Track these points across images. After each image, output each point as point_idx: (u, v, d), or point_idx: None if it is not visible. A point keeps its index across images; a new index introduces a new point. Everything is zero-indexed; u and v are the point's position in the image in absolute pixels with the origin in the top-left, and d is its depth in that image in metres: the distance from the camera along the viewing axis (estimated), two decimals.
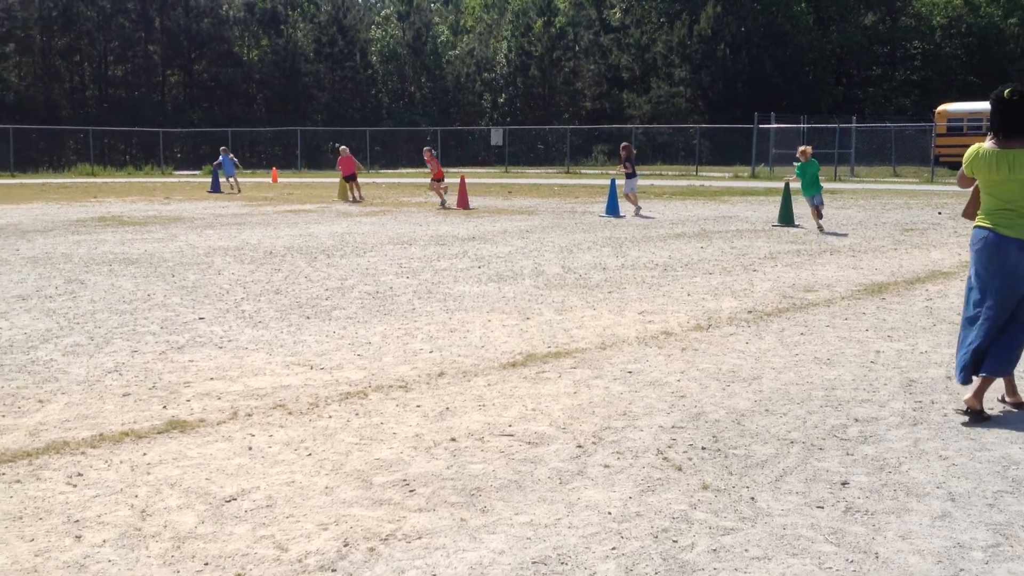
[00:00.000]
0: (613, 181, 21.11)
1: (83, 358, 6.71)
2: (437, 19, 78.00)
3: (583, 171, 47.56)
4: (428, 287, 10.04)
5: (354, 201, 25.95)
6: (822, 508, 3.99)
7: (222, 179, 31.32)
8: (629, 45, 67.41)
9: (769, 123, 39.15)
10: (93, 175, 44.85)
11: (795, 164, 17.08)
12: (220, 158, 31.23)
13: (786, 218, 17.43)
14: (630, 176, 20.19)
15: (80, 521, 3.82)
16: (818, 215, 16.28)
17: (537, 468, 4.46)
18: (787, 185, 18.09)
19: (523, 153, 58.50)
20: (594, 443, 4.83)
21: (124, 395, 5.74)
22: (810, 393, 5.82)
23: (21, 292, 9.62)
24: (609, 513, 3.92)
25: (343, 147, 27.36)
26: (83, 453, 4.66)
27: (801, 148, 16.91)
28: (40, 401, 5.60)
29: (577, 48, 69.84)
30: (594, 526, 3.79)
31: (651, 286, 10.12)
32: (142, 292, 9.66)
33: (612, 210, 19.98)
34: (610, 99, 67.25)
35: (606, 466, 4.49)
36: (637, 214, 19.54)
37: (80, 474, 4.36)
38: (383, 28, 74.12)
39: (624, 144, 21.10)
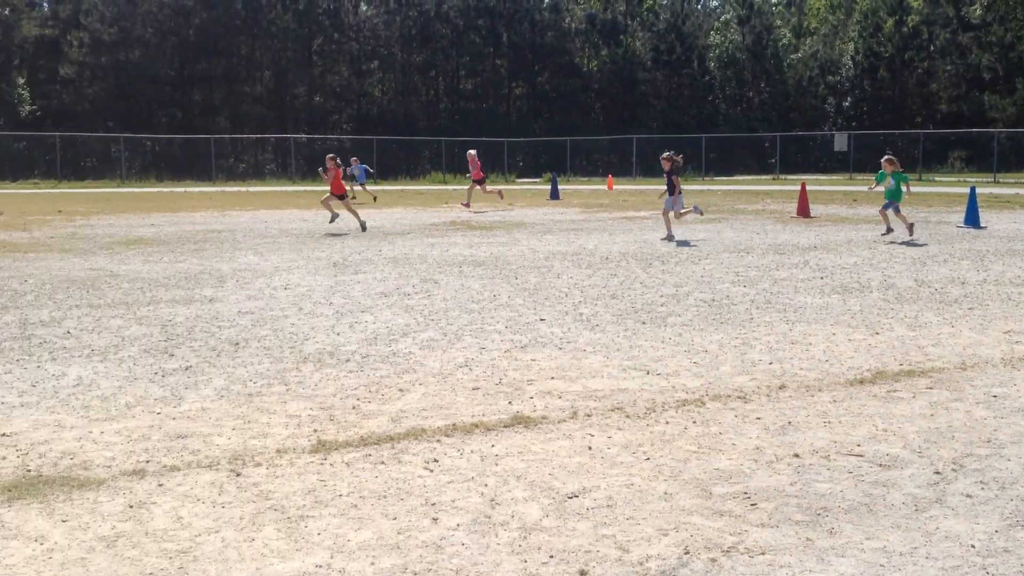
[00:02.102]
0: (973, 189, 19.47)
1: (437, 352, 7.17)
2: (779, 22, 76.01)
3: (937, 178, 44.44)
4: (767, 297, 9.78)
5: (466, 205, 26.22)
6: None
7: (356, 187, 31.41)
8: (991, 43, 62.10)
9: None
10: (444, 183, 48.07)
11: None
12: (353, 167, 31.88)
13: None
14: (671, 192, 16.48)
15: (436, 504, 4.07)
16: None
17: (890, 492, 4.18)
18: None
19: (870, 159, 55.37)
20: (954, 470, 4.46)
21: (474, 389, 6.06)
22: None
23: (383, 290, 10.48)
24: (972, 546, 3.59)
25: (471, 151, 27.31)
26: (438, 441, 4.97)
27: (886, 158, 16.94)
28: (401, 390, 6.05)
29: (932, 48, 65.37)
30: (955, 559, 3.49)
31: (1019, 303, 9.22)
32: (488, 292, 10.19)
33: (971, 220, 18.46)
34: (968, 101, 62.34)
35: (968, 496, 4.12)
36: (668, 238, 16.15)
37: (436, 460, 4.66)
38: (722, 33, 73.39)
39: (665, 155, 16.96)
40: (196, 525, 3.84)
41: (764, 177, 52.20)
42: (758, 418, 5.37)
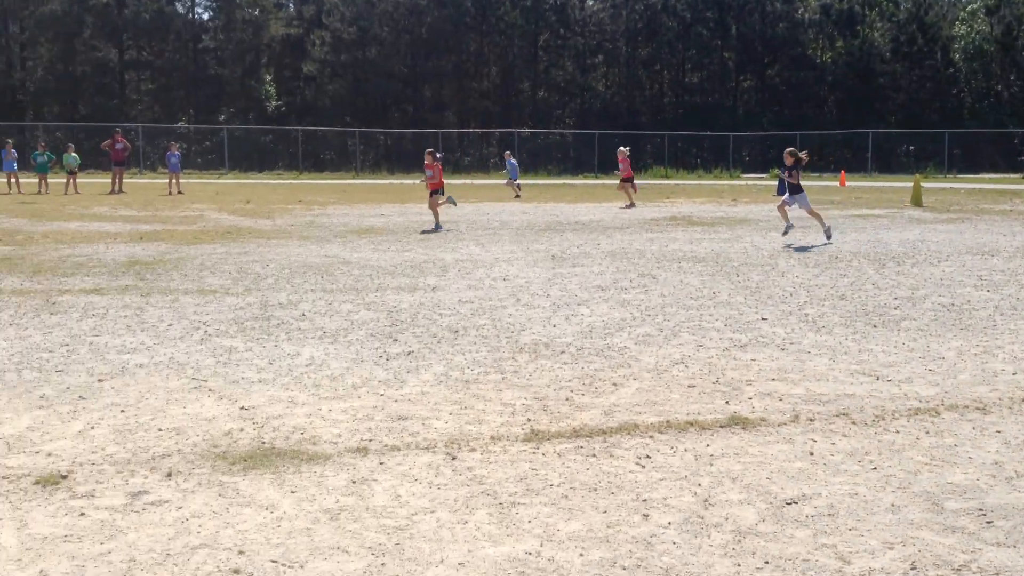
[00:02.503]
0: None
1: (652, 348, 7.09)
2: None
3: None
4: (1012, 303, 9.07)
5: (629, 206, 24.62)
6: None
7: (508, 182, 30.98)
8: None
9: None
10: (667, 177, 47.65)
11: None
12: (507, 161, 31.27)
13: None
14: (794, 191, 15.30)
15: (647, 501, 4.01)
16: None
17: None
18: None
19: None
20: None
21: (689, 386, 5.95)
22: None
23: (600, 283, 10.47)
24: None
25: (623, 148, 25.86)
26: (651, 437, 4.90)
27: None
28: (614, 384, 6.02)
29: None
30: None
31: None
32: (708, 290, 9.98)
33: None
34: None
35: None
36: (828, 235, 15.09)
37: (648, 456, 4.60)
38: (968, 24, 68.72)
39: (788, 149, 15.55)
40: (413, 504, 3.97)
41: (1014, 176, 48.51)
42: (998, 431, 4.99)
